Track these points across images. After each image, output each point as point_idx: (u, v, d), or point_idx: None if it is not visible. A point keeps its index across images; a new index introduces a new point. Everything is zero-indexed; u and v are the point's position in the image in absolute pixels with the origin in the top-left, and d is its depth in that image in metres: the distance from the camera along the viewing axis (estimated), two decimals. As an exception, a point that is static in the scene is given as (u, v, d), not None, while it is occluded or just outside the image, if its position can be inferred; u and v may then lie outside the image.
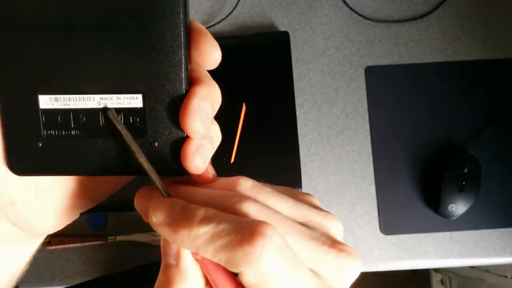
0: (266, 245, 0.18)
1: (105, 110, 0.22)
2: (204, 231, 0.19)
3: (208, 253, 0.19)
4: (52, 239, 0.59)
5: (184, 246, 0.20)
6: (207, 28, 0.64)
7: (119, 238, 0.59)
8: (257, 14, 0.65)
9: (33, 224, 0.26)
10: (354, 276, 0.23)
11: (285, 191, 0.24)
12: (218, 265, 0.21)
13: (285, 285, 0.19)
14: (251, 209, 0.21)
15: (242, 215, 0.21)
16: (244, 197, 0.22)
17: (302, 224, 0.23)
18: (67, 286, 0.59)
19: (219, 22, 0.64)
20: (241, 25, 0.65)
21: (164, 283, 0.22)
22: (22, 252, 0.28)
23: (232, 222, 0.19)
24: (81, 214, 0.28)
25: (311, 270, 0.22)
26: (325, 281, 0.22)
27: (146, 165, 0.22)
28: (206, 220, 0.20)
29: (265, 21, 0.65)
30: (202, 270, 0.22)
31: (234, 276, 0.21)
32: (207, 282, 0.22)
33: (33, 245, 0.29)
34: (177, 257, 0.22)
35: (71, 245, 0.59)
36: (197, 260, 0.22)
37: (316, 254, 0.22)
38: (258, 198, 0.23)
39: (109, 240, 0.59)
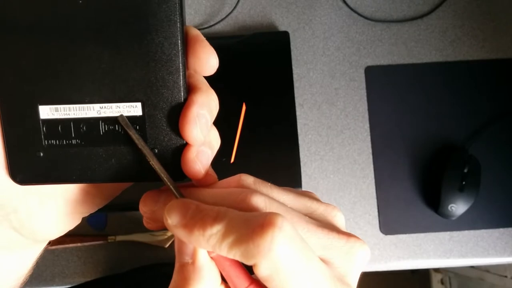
0: (276, 235, 0.18)
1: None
2: (217, 229, 0.20)
3: (223, 250, 0.20)
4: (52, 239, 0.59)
5: (200, 246, 0.21)
6: (207, 28, 0.64)
7: (119, 238, 0.59)
8: (257, 14, 0.65)
9: (36, 231, 0.26)
10: (364, 262, 0.23)
11: (284, 188, 0.25)
12: (234, 262, 0.22)
13: (297, 275, 0.19)
14: (260, 201, 0.21)
15: (253, 208, 0.21)
16: (251, 191, 0.22)
17: (306, 215, 0.23)
18: (67, 286, 0.59)
19: (219, 22, 0.64)
20: (241, 25, 0.65)
21: (180, 283, 0.22)
22: (25, 258, 0.28)
23: (243, 217, 0.20)
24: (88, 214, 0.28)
25: (321, 259, 0.22)
26: (336, 269, 0.22)
27: (159, 168, 0.23)
28: (218, 219, 0.20)
29: (265, 21, 0.65)
30: (218, 267, 0.22)
31: (250, 274, 0.22)
32: (222, 280, 0.22)
33: (36, 250, 0.29)
34: (193, 256, 0.22)
35: (71, 245, 0.59)
36: (212, 258, 0.22)
37: (326, 241, 0.22)
38: (262, 192, 0.23)
39: (109, 240, 0.59)
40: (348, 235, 0.23)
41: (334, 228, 0.23)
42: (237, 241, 0.19)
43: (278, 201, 0.22)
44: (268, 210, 0.21)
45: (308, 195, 0.25)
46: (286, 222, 0.19)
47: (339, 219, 0.24)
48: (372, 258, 0.60)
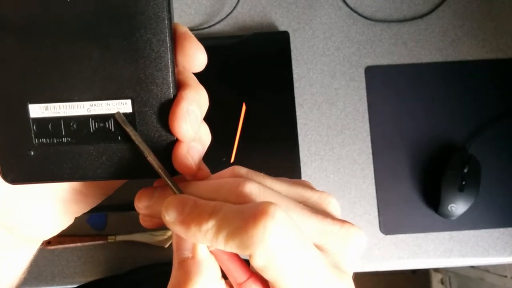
0: (268, 224, 0.18)
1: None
2: (213, 223, 0.20)
3: (220, 244, 0.20)
4: (52, 239, 0.59)
5: (198, 241, 0.21)
6: (207, 28, 0.64)
7: (119, 238, 0.59)
8: (257, 14, 0.65)
9: (28, 231, 0.26)
10: (360, 248, 0.23)
11: (278, 177, 0.25)
12: (232, 256, 0.22)
13: (293, 262, 0.19)
14: (253, 188, 0.21)
15: (246, 195, 0.21)
16: (244, 179, 0.22)
17: (301, 203, 0.23)
18: (67, 286, 0.59)
19: (219, 22, 0.64)
20: (241, 25, 0.65)
21: (181, 277, 0.22)
22: (19, 259, 0.28)
23: (237, 209, 0.20)
24: (81, 214, 0.28)
25: (316, 245, 0.22)
26: (331, 256, 0.22)
27: (156, 164, 0.23)
28: (214, 214, 0.20)
29: (265, 21, 0.65)
30: (217, 262, 0.22)
31: (248, 266, 0.22)
32: (222, 275, 0.23)
33: (29, 251, 0.29)
34: (193, 250, 0.22)
35: (71, 245, 0.59)
36: (211, 252, 0.22)
37: (321, 227, 0.22)
38: (256, 181, 0.23)
39: (109, 240, 0.59)
40: (343, 221, 0.22)
41: (328, 214, 0.23)
42: (232, 233, 0.19)
43: (271, 189, 0.22)
44: (261, 197, 0.21)
45: (302, 184, 0.24)
46: (279, 210, 0.19)
47: (333, 206, 0.24)
48: (372, 258, 0.60)
